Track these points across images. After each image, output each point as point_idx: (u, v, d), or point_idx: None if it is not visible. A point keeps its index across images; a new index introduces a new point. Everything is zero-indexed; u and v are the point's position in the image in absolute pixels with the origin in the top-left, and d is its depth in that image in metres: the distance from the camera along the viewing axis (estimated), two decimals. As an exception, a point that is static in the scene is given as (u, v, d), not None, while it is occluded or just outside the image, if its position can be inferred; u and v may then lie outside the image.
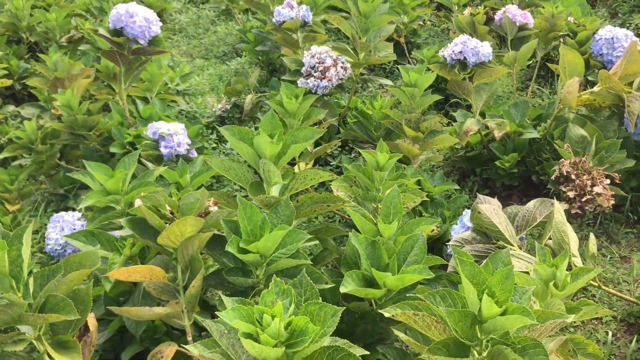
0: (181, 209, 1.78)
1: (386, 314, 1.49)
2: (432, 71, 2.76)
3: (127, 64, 3.02)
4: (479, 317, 1.37)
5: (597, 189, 2.50)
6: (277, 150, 1.92)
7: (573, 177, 2.55)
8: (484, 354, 1.40)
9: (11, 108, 3.85)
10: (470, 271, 1.40)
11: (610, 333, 2.25)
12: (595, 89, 2.86)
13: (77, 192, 3.03)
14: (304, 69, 3.03)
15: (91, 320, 1.66)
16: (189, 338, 1.76)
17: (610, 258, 2.68)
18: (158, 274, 1.71)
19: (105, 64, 3.31)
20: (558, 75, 3.88)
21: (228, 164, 1.99)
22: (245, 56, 4.66)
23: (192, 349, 1.44)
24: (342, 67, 3.00)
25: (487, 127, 3.07)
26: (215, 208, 1.90)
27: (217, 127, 2.06)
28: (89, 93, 3.51)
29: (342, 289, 1.65)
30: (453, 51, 2.82)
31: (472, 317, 1.37)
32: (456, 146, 3.28)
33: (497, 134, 2.95)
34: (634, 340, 2.21)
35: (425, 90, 2.71)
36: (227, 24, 5.65)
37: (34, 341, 1.62)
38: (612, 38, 3.13)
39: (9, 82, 3.66)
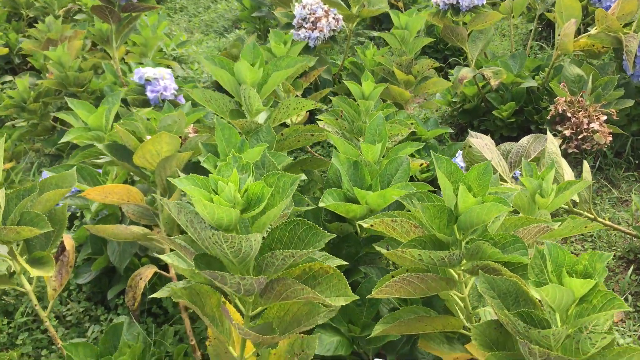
0: (159, 132, 1.75)
1: (365, 224, 1.44)
2: (422, 13, 2.71)
3: (117, 21, 3.00)
4: (455, 212, 1.32)
5: (593, 126, 2.43)
6: (258, 78, 1.88)
7: (569, 114, 2.48)
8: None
9: (8, 78, 3.86)
10: (446, 168, 1.35)
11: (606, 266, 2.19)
12: (593, 31, 2.79)
13: (71, 152, 3.02)
14: (295, 20, 3.00)
15: (68, 241, 1.63)
16: (170, 262, 1.73)
17: (609, 200, 2.61)
18: (136, 195, 1.68)
19: (99, 27, 3.30)
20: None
21: (209, 94, 1.95)
22: (243, 28, 4.64)
23: (166, 258, 1.41)
24: (333, 18, 2.96)
25: (483, 77, 3.01)
26: (195, 135, 1.86)
27: (200, 57, 2.02)
28: (82, 56, 3.49)
29: (321, 204, 1.61)
30: (445, -5, 2.76)
31: (448, 212, 1.32)
32: (453, 100, 3.22)
33: (494, 82, 2.89)
34: (630, 270, 2.15)
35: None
36: (227, 1, 5.63)
37: (8, 260, 1.60)
38: (610, -17, 3.06)
39: (5, 50, 3.66)
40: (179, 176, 1.70)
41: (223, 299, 1.17)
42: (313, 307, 1.15)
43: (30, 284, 1.64)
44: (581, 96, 2.54)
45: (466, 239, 1.35)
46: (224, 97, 1.98)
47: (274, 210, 1.01)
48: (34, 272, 1.48)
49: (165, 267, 1.89)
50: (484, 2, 2.81)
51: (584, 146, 2.46)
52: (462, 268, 1.39)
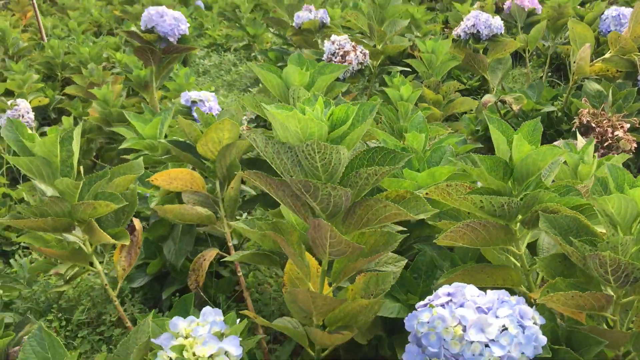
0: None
1: (420, 193, 1.54)
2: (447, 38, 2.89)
3: (158, 62, 3.21)
4: (510, 165, 1.41)
5: (618, 134, 2.55)
6: (305, 80, 2.01)
7: (593, 125, 2.61)
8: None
9: (46, 128, 4.03)
10: (499, 125, 1.46)
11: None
12: (607, 55, 2.97)
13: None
14: (324, 56, 3.19)
15: (136, 223, 1.72)
16: (230, 244, 1.81)
17: None
18: (198, 181, 1.79)
19: (137, 73, 3.51)
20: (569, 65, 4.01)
21: (259, 98, 2.09)
22: (267, 81, 4.86)
23: (237, 224, 1.50)
24: (361, 53, 3.15)
25: (503, 104, 3.16)
26: (250, 129, 1.99)
27: (252, 65, 2.18)
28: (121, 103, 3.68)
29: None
30: (466, 26, 2.96)
31: (504, 164, 1.41)
32: (476, 128, 3.36)
33: (516, 107, 3.04)
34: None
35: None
36: (248, 64, 5.91)
37: (82, 245, 1.68)
38: (619, 15, 3.27)
39: (46, 100, 3.85)
40: (239, 165, 1.81)
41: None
42: (390, 236, 1.23)
43: (101, 263, 1.72)
44: (603, 109, 2.68)
45: (521, 193, 1.43)
46: (273, 102, 2.11)
47: (357, 130, 1.11)
48: (112, 240, 1.57)
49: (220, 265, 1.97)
50: (502, 31, 3.01)
51: (610, 153, 2.56)
52: (518, 222, 1.47)
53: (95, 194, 1.66)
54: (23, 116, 3.36)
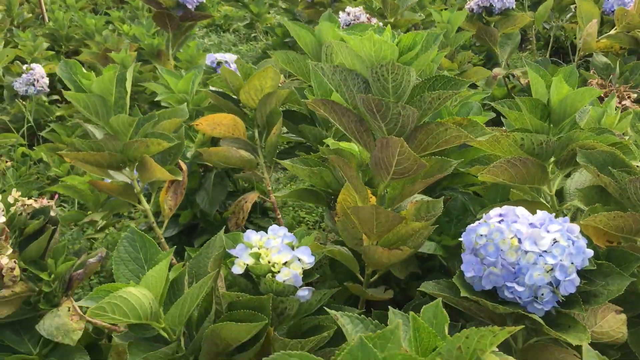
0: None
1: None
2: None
3: (176, 28, 3.26)
4: (547, 107, 1.51)
5: (625, 103, 2.67)
6: (338, 36, 2.10)
7: (602, 95, 2.72)
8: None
9: (55, 97, 4.06)
10: (537, 69, 1.56)
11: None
12: (612, 32, 3.09)
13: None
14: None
15: (182, 164, 1.79)
16: (269, 188, 1.89)
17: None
18: (240, 128, 1.86)
19: (149, 42, 3.56)
20: (573, 52, 4.14)
21: (292, 55, 2.15)
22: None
23: (286, 163, 1.58)
24: (376, 24, 3.23)
25: (513, 76, 3.28)
26: (287, 81, 2.06)
27: (284, 20, 2.24)
28: (138, 68, 3.72)
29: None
30: (479, -1, 3.06)
31: (542, 106, 1.51)
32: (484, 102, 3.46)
33: (524, 80, 3.16)
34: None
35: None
36: (249, 44, 5.97)
37: (134, 182, 1.75)
38: (622, -6, 3.39)
39: (55, 68, 3.86)
40: (280, 112, 1.89)
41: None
42: (444, 162, 1.32)
43: (148, 202, 1.79)
44: (610, 80, 2.80)
45: (557, 134, 1.54)
46: (305, 58, 2.19)
47: (423, 56, 1.20)
48: (167, 176, 1.64)
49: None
50: (514, 6, 3.11)
51: (617, 122, 2.68)
52: (551, 163, 1.57)
53: (144, 134, 1.73)
54: (38, 80, 3.39)
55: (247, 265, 1.18)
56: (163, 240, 1.79)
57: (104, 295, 1.06)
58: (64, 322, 1.44)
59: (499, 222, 1.22)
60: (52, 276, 1.49)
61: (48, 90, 3.45)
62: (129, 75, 1.70)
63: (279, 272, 1.16)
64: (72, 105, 3.29)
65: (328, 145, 1.48)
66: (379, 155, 1.22)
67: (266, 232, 1.24)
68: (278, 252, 1.19)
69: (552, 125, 1.53)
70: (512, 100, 1.62)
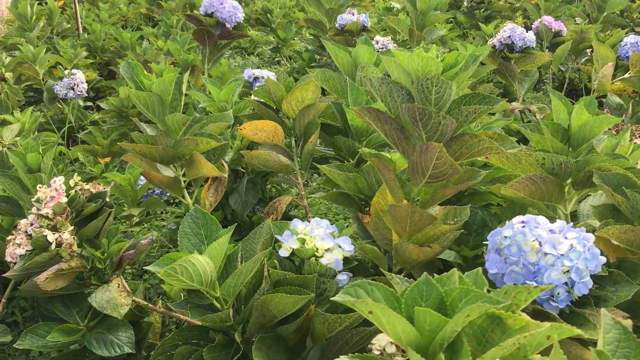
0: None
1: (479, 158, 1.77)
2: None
3: (214, 45, 3.44)
4: (568, 131, 1.66)
5: (637, 141, 2.81)
6: (373, 58, 2.26)
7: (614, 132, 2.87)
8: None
9: (89, 103, 4.24)
10: (560, 97, 1.70)
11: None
12: (627, 75, 3.25)
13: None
14: (368, 54, 3.44)
15: (225, 165, 1.93)
16: (302, 193, 2.03)
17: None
18: (280, 135, 2.01)
19: (184, 57, 3.74)
20: (587, 94, 4.31)
21: (328, 73, 2.32)
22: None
23: (324, 167, 1.73)
24: (401, 54, 3.40)
25: (529, 111, 3.43)
26: (324, 97, 2.21)
27: (324, 42, 2.40)
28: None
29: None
30: (502, 37, 3.23)
31: (562, 131, 1.66)
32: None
33: (539, 116, 3.31)
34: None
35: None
36: (272, 68, 6.17)
37: (179, 177, 1.89)
38: (637, 42, 3.56)
39: (93, 76, 4.07)
40: (318, 123, 2.04)
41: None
42: (474, 172, 1.46)
43: (191, 198, 1.93)
44: (623, 120, 2.94)
45: (576, 157, 1.67)
46: (340, 77, 2.35)
47: (463, 74, 1.35)
48: (213, 172, 1.78)
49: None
50: (534, 45, 3.28)
51: (628, 159, 2.82)
52: (569, 184, 1.70)
53: (194, 134, 1.88)
54: (78, 85, 3.57)
55: (293, 249, 1.31)
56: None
57: (169, 262, 1.19)
58: (113, 297, 1.56)
59: (522, 227, 1.36)
60: (105, 255, 1.62)
61: (86, 95, 3.62)
62: (185, 79, 1.85)
63: (322, 256, 1.29)
64: (106, 112, 3.46)
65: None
66: (417, 160, 1.36)
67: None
68: (321, 239, 1.32)
69: (571, 148, 1.67)
70: (535, 124, 1.77)
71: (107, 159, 3.22)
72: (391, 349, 1.24)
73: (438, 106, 1.34)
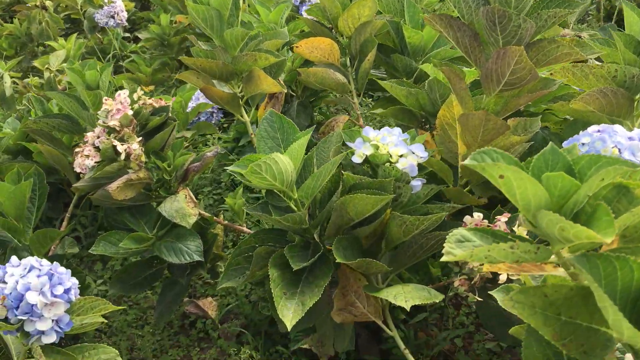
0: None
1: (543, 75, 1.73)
2: None
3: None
4: (641, 43, 1.60)
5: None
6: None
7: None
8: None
9: (127, 34, 4.22)
10: (633, 8, 1.64)
11: None
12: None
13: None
14: None
15: (281, 82, 1.92)
16: (358, 112, 2.01)
17: None
18: (335, 53, 1.98)
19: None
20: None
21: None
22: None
23: (386, 84, 1.70)
24: None
25: (580, 38, 3.33)
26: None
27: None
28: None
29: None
30: None
31: (635, 42, 1.60)
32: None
33: (590, 44, 3.21)
34: None
35: None
36: None
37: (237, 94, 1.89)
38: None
39: (131, 5, 4.02)
40: (375, 40, 2.00)
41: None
42: (548, 80, 1.43)
43: (248, 116, 1.93)
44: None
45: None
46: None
47: None
48: (273, 88, 1.77)
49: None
50: None
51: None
52: (638, 98, 1.66)
53: (251, 50, 1.86)
54: (118, 13, 3.53)
55: (367, 155, 1.31)
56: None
57: (248, 163, 1.20)
58: (181, 207, 1.59)
59: (600, 134, 1.33)
60: (171, 167, 1.64)
61: (126, 24, 3.60)
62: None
63: (396, 162, 1.29)
64: (147, 40, 3.44)
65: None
66: (492, 67, 1.34)
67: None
68: (395, 146, 1.32)
69: (642, 61, 1.62)
70: (604, 38, 1.72)
71: (151, 87, 3.23)
72: (467, 252, 1.25)
73: (517, 9, 1.30)
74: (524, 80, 1.32)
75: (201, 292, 2.03)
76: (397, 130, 1.37)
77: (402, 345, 1.30)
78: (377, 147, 1.32)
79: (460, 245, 0.70)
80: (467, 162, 0.65)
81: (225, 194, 2.35)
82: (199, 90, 2.46)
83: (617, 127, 1.37)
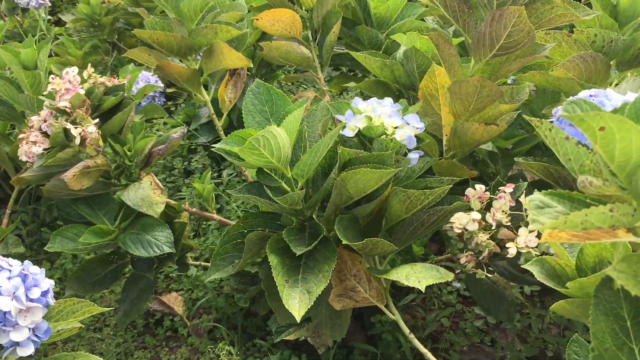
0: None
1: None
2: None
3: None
4: (617, 7, 1.58)
5: None
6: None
7: None
8: None
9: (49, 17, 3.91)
10: (605, -26, 1.62)
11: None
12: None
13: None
14: None
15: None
16: (324, 88, 1.91)
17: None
18: (297, 26, 1.86)
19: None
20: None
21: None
22: None
23: (358, 55, 1.61)
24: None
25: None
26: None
27: None
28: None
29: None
30: None
31: (611, 6, 1.58)
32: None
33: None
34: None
35: None
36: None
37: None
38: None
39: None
40: (339, 11, 1.89)
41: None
42: (538, 45, 1.37)
43: (208, 95, 1.78)
44: None
45: (623, 34, 1.61)
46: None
47: None
48: (237, 63, 1.64)
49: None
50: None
51: None
52: (613, 64, 1.65)
53: (209, 22, 1.71)
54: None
55: (359, 128, 1.21)
56: (222, 132, 1.79)
57: (237, 139, 1.08)
58: (147, 195, 1.44)
59: (592, 98, 1.29)
60: (132, 151, 1.48)
61: (49, 3, 3.32)
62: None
63: (392, 134, 1.20)
64: (76, 20, 3.19)
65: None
66: (485, 31, 1.26)
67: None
68: (389, 117, 1.22)
69: (619, 25, 1.60)
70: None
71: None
72: (473, 227, 1.18)
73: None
74: (521, 43, 1.26)
75: (162, 287, 1.88)
76: (389, 100, 1.28)
77: (406, 330, 1.22)
78: (370, 119, 1.22)
79: (543, 212, 0.61)
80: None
81: (180, 181, 2.19)
82: (143, 72, 2.29)
83: (610, 91, 1.33)
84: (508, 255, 1.14)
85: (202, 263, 1.76)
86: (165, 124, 2.59)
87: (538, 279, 0.90)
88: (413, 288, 1.65)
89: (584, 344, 0.97)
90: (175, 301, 1.76)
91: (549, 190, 0.63)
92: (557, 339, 1.57)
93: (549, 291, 1.76)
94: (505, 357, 1.53)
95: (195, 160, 2.22)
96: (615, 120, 0.54)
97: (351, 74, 2.42)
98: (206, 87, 1.92)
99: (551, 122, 1.35)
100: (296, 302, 1.03)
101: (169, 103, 2.64)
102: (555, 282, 0.90)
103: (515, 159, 1.42)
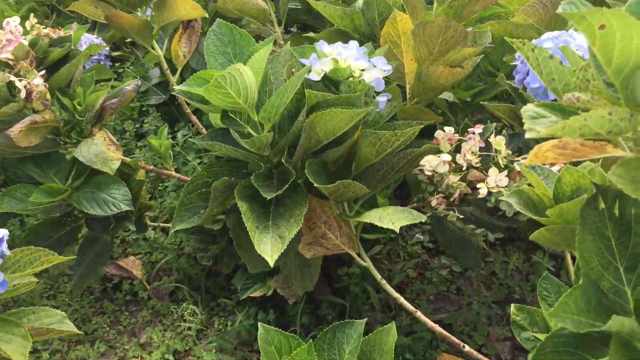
0: None
1: None
2: None
3: None
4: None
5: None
6: None
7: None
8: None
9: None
10: None
11: None
12: None
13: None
14: None
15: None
16: (281, 42, 1.85)
17: None
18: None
19: None
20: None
21: None
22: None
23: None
24: None
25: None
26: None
27: None
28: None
29: None
30: None
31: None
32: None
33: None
34: None
35: None
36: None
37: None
38: None
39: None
40: None
41: None
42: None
43: (162, 49, 1.70)
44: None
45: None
46: None
47: None
48: (191, 14, 1.56)
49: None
50: None
51: None
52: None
53: (159, -28, 1.62)
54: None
55: (325, 72, 1.17)
56: (177, 88, 1.71)
57: (200, 81, 1.03)
58: (101, 150, 1.36)
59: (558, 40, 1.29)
60: (82, 106, 1.40)
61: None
62: None
63: (359, 77, 1.16)
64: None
65: None
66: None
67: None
68: (355, 60, 1.19)
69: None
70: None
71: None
72: (444, 168, 1.17)
73: None
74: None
75: (119, 252, 1.81)
76: (354, 43, 1.24)
77: (378, 276, 1.20)
78: (336, 62, 1.18)
79: (537, 122, 0.59)
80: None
81: (132, 144, 2.11)
82: (85, 34, 2.17)
83: (572, 32, 1.33)
84: (479, 196, 1.13)
85: (161, 224, 1.70)
86: (113, 87, 2.47)
87: (517, 208, 0.89)
88: (378, 240, 1.64)
89: (554, 280, 0.97)
90: (133, 265, 1.69)
91: (541, 101, 0.61)
92: (521, 284, 1.59)
93: (512, 239, 1.78)
94: (471, 304, 1.54)
95: (148, 123, 2.14)
96: (616, 17, 0.52)
97: (308, 31, 2.36)
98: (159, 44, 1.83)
99: (515, 65, 1.35)
100: (268, 247, 0.99)
101: (116, 65, 2.52)
102: (533, 212, 0.89)
103: (481, 102, 1.41)
